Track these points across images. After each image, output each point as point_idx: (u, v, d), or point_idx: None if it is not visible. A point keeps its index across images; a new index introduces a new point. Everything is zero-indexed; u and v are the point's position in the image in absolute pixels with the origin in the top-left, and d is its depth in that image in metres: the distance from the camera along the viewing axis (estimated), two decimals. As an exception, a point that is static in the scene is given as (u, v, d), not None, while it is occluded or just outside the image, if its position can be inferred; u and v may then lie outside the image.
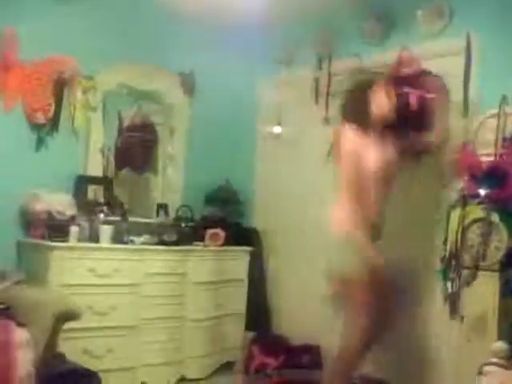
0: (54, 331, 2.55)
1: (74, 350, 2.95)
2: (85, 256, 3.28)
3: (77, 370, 2.66)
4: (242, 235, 4.26)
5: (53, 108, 3.59)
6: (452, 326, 3.05)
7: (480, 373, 2.44)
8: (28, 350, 2.34)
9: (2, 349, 2.28)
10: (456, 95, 3.28)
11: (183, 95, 4.29)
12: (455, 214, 3.11)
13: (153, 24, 4.01)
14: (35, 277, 3.09)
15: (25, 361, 2.31)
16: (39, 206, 3.37)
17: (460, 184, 3.14)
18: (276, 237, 4.38)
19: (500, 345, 2.50)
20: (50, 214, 3.36)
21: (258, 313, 4.22)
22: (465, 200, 3.09)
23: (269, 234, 4.42)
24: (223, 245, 4.05)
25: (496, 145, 3.04)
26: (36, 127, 3.54)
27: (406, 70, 3.41)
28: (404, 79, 3.38)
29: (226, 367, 4.02)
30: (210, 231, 4.05)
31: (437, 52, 3.44)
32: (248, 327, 4.13)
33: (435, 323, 3.33)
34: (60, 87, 3.61)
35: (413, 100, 3.29)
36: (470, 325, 2.95)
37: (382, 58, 3.62)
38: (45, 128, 3.58)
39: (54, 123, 3.61)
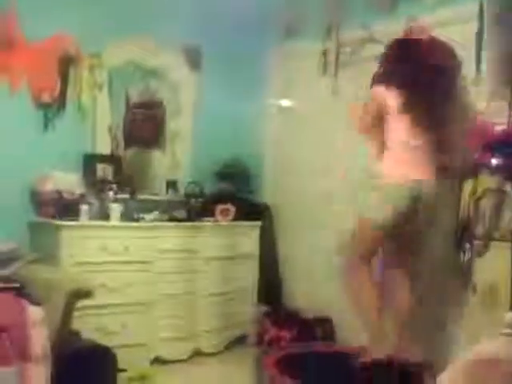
0: (68, 309, 2.57)
1: (88, 327, 2.98)
2: (96, 234, 3.29)
3: (92, 346, 2.68)
4: (252, 210, 4.26)
5: (59, 87, 3.56)
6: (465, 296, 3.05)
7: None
8: (43, 327, 2.37)
9: (18, 327, 2.31)
10: (468, 64, 3.22)
11: (190, 71, 4.24)
12: (467, 185, 3.08)
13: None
14: (48, 256, 3.10)
15: (40, 338, 2.33)
16: (49, 186, 3.38)
17: (472, 154, 3.10)
18: (286, 211, 4.38)
19: (513, 315, 2.49)
20: (59, 193, 3.37)
21: (270, 287, 4.24)
22: (477, 170, 3.05)
23: (279, 208, 4.41)
24: (233, 220, 4.05)
25: (510, 113, 2.99)
26: (43, 107, 3.52)
27: (417, 39, 3.34)
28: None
29: (240, 341, 4.06)
30: (219, 207, 4.05)
31: (447, 20, 3.36)
32: (260, 301, 4.15)
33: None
34: (65, 65, 3.58)
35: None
36: (482, 296, 2.94)
37: (391, 27, 3.55)
38: (51, 107, 3.56)
39: (60, 102, 3.59)
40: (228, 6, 4.10)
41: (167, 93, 4.20)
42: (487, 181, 2.99)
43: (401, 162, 2.88)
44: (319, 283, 3.97)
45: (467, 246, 3.07)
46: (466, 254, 3.07)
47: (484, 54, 3.21)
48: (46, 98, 3.51)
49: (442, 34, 3.24)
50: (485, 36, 3.20)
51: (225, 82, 4.28)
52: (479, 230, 3.00)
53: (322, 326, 3.89)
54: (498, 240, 2.92)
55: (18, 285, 2.57)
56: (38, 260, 2.99)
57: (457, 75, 3.10)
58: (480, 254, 3.00)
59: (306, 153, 4.23)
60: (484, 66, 3.20)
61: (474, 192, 3.04)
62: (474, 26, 3.23)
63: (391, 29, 3.49)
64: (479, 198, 3.03)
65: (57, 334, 2.45)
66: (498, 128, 2.98)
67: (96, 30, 3.57)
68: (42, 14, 3.38)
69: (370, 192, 2.90)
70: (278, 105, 4.41)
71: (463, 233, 3.09)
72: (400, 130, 2.91)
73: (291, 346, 3.61)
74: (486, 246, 2.98)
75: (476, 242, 3.02)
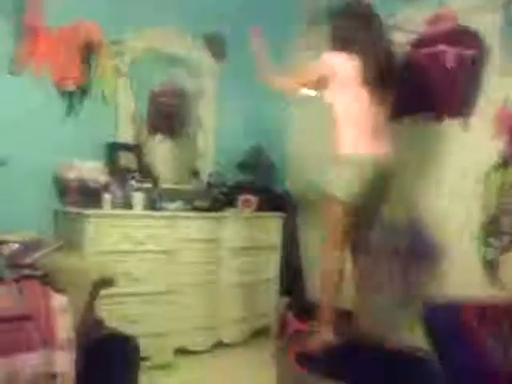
0: (92, 297, 2.57)
1: (111, 315, 2.99)
2: (119, 223, 3.30)
3: (115, 334, 2.69)
4: (274, 201, 4.23)
5: (82, 74, 3.56)
6: (492, 293, 2.99)
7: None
8: (67, 315, 2.38)
9: (43, 314, 2.32)
10: (495, 52, 3.15)
11: (212, 59, 4.22)
12: (495, 177, 3.02)
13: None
14: (71, 244, 3.12)
15: (65, 326, 2.35)
16: (72, 174, 3.39)
17: (500, 145, 3.04)
18: (309, 201, 4.34)
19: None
20: (83, 181, 3.38)
21: (292, 278, 4.22)
22: (505, 162, 2.99)
23: (301, 198, 4.38)
24: (256, 210, 4.03)
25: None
26: (66, 95, 3.53)
27: (443, 27, 3.29)
28: (441, 36, 3.27)
29: (262, 332, 4.05)
30: (242, 197, 4.03)
31: (475, 8, 3.29)
32: (283, 292, 4.14)
33: (474, 290, 3.26)
34: (88, 53, 3.57)
35: (449, 58, 3.19)
36: (510, 292, 2.89)
37: (417, 15, 3.49)
38: (75, 95, 3.56)
39: (83, 90, 3.59)
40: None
41: (190, 81, 4.18)
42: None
43: (357, 135, 2.87)
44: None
45: (494, 240, 3.01)
46: (493, 249, 3.01)
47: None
48: (68, 85, 3.51)
49: (469, 22, 3.19)
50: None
51: (247, 71, 4.24)
52: (506, 224, 2.95)
53: (343, 319, 3.86)
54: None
55: (42, 272, 2.58)
56: (62, 248, 3.00)
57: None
58: (507, 250, 2.95)
59: (328, 142, 4.18)
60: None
61: (501, 185, 2.99)
62: (501, 15, 3.16)
63: (418, 16, 3.45)
64: (507, 191, 2.97)
65: (81, 321, 2.46)
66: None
67: (118, 17, 3.56)
68: (63, 1, 3.37)
69: (331, 167, 2.92)
70: (301, 94, 4.35)
71: (489, 227, 3.04)
72: (355, 101, 2.87)
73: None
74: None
75: (503, 237, 2.97)
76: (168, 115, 4.06)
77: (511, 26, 3.13)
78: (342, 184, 2.82)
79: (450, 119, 3.30)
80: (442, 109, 3.30)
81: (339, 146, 2.91)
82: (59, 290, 2.45)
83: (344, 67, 2.86)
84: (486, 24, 3.16)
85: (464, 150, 3.25)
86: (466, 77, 3.20)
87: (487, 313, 2.13)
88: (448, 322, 2.13)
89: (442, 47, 3.26)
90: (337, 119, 2.94)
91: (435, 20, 3.38)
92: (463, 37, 3.22)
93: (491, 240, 3.02)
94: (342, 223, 2.89)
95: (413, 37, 3.45)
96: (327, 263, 2.96)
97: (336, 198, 2.84)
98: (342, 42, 2.93)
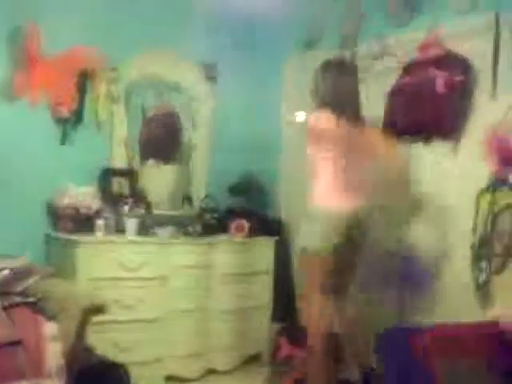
0: (83, 324, 2.56)
1: (102, 343, 2.96)
2: (111, 249, 3.29)
3: (106, 362, 2.67)
4: (266, 225, 4.23)
5: (77, 101, 3.59)
6: (483, 315, 2.98)
7: None
8: (57, 343, 2.36)
9: (33, 342, 2.30)
10: (485, 76, 3.19)
11: (206, 84, 4.25)
12: (485, 200, 3.03)
13: (175, 13, 3.97)
14: (63, 270, 3.11)
15: (55, 354, 2.33)
16: (65, 200, 3.39)
17: (489, 168, 3.06)
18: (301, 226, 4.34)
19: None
20: (76, 207, 3.39)
21: (285, 304, 4.19)
22: (495, 185, 3.01)
23: (294, 223, 4.38)
24: (248, 236, 4.03)
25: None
26: (60, 121, 3.56)
27: (433, 52, 3.34)
28: (431, 61, 3.31)
29: (254, 359, 4.01)
30: (234, 222, 4.03)
31: (464, 33, 3.34)
32: (275, 318, 4.11)
33: (466, 313, 3.26)
34: (83, 79, 3.62)
35: (439, 82, 3.23)
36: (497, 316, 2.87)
37: (408, 39, 3.54)
38: (69, 121, 3.60)
39: (78, 116, 3.62)
40: (245, 19, 4.13)
41: (184, 107, 4.21)
42: (506, 196, 2.95)
43: (333, 189, 2.94)
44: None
45: (484, 263, 3.01)
46: (484, 272, 3.01)
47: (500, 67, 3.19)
48: (63, 111, 3.54)
49: (459, 46, 3.24)
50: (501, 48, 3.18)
51: (240, 96, 4.29)
52: (497, 247, 2.95)
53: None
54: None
55: (33, 299, 2.57)
56: (53, 274, 2.99)
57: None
58: (498, 272, 2.95)
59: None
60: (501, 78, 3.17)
61: (491, 208, 3.00)
62: (491, 38, 3.21)
63: (408, 39, 3.50)
64: (498, 214, 2.98)
65: (71, 349, 2.44)
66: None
67: (113, 44, 3.60)
68: (59, 28, 3.42)
69: (308, 221, 3.01)
70: (293, 119, 4.39)
71: (480, 250, 3.04)
72: (332, 155, 2.94)
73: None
74: (504, 264, 2.92)
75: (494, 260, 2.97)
76: (161, 140, 4.09)
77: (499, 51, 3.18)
78: (315, 237, 2.90)
79: (440, 142, 3.32)
80: (431, 132, 3.33)
81: (313, 198, 3.00)
82: (50, 318, 2.44)
83: (321, 122, 2.95)
84: (476, 49, 3.21)
85: (454, 172, 3.27)
86: (456, 101, 3.23)
87: (443, 340, 2.13)
88: (397, 348, 2.14)
89: (432, 72, 3.30)
90: (313, 170, 3.04)
91: (425, 45, 3.43)
92: (453, 62, 3.26)
93: (483, 263, 3.02)
94: (319, 272, 2.95)
95: (403, 61, 3.49)
96: (310, 308, 3.02)
97: (309, 250, 2.92)
98: (321, 97, 3.04)
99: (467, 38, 3.25)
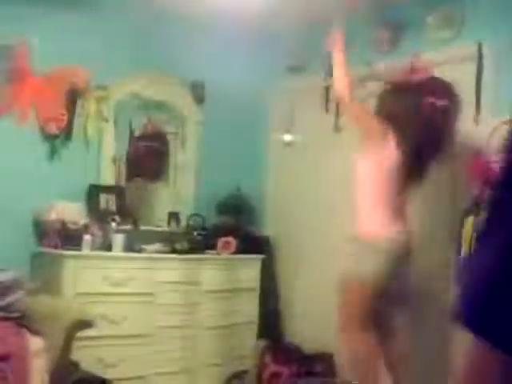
0: (68, 340, 2.56)
1: (88, 358, 2.96)
2: (98, 265, 3.30)
3: (90, 378, 2.66)
4: (253, 243, 4.26)
5: (66, 118, 3.62)
6: (465, 339, 3.00)
7: None
8: (42, 358, 2.36)
9: (18, 357, 2.30)
10: (468, 102, 3.27)
11: (194, 104, 4.30)
12: (468, 223, 3.08)
13: (163, 34, 4.03)
14: (49, 286, 3.10)
15: (39, 369, 2.32)
16: (52, 216, 3.40)
17: (473, 191, 3.12)
18: (288, 244, 4.38)
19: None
20: (63, 223, 3.39)
21: (271, 321, 4.21)
22: (478, 208, 3.06)
23: (281, 241, 4.42)
24: (235, 253, 4.05)
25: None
26: (49, 138, 3.57)
27: (417, 78, 3.42)
28: (415, 86, 3.38)
29: (239, 376, 4.00)
30: (221, 239, 4.05)
31: (448, 59, 3.43)
32: (260, 335, 4.12)
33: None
34: (73, 97, 3.65)
35: (424, 107, 3.30)
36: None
37: (393, 65, 3.62)
38: (58, 138, 3.61)
39: (66, 133, 3.65)
40: (232, 43, 4.20)
41: (171, 126, 4.26)
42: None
43: (389, 216, 2.82)
44: (321, 317, 3.93)
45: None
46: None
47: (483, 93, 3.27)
48: (52, 129, 3.56)
49: (443, 73, 3.32)
50: (484, 75, 3.27)
51: (228, 117, 4.34)
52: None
53: (323, 362, 3.85)
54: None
55: (18, 315, 2.57)
56: (39, 290, 2.99)
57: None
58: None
59: (307, 187, 4.26)
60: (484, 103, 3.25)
61: (475, 230, 3.05)
62: (474, 65, 3.30)
63: (393, 66, 3.58)
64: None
65: (56, 364, 2.44)
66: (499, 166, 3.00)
67: (103, 63, 3.64)
68: (50, 46, 3.45)
69: (356, 248, 2.83)
70: (280, 139, 4.45)
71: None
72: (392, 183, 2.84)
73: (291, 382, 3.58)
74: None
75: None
76: (148, 158, 4.11)
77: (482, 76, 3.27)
78: (368, 266, 2.74)
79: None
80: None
81: (361, 223, 2.85)
82: (35, 332, 2.44)
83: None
84: (460, 74, 3.29)
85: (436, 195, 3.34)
86: (440, 126, 3.30)
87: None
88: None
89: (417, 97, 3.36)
90: (358, 186, 2.89)
91: (410, 71, 3.50)
92: (437, 87, 3.33)
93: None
94: (364, 304, 2.77)
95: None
96: (351, 347, 2.84)
97: (360, 280, 2.75)
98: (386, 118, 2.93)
99: (451, 64, 3.35)
